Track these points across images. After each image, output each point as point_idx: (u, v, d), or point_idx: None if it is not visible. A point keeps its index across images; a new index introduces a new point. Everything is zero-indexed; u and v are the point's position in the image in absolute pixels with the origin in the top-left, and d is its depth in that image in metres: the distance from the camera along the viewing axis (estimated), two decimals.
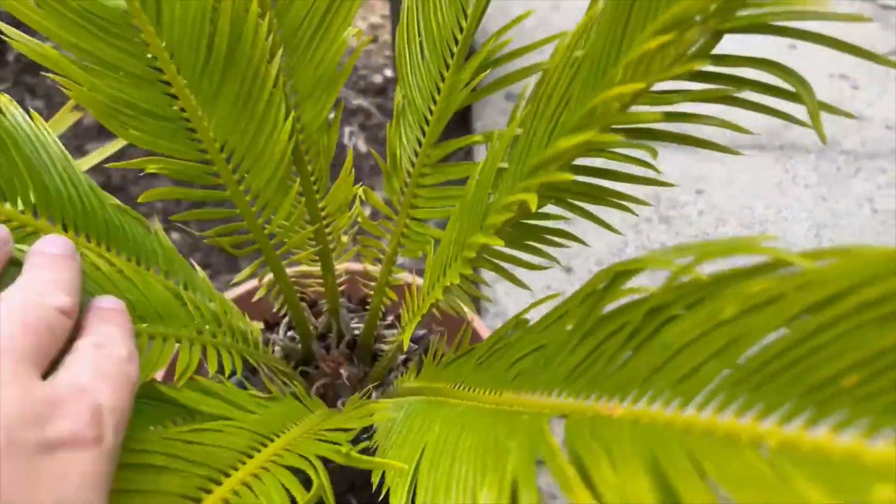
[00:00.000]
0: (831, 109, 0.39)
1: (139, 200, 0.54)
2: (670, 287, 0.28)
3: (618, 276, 0.33)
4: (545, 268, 0.56)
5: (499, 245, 0.42)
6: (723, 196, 1.67)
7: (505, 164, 0.54)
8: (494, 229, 0.45)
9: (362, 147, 1.69)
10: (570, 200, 0.53)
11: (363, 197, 0.66)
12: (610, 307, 0.33)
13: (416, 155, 0.61)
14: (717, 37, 0.36)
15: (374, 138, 1.70)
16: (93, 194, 0.52)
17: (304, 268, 0.72)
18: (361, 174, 1.60)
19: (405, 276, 0.71)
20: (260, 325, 0.78)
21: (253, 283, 0.76)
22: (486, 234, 0.44)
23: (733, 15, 0.33)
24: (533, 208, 0.38)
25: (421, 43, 0.58)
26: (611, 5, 0.41)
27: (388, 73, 1.85)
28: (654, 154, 0.45)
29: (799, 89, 0.40)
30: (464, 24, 0.54)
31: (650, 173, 0.49)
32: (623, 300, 0.32)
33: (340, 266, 0.70)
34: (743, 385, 0.24)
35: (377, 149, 1.70)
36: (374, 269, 0.70)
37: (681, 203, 1.62)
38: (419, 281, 0.76)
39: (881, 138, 1.86)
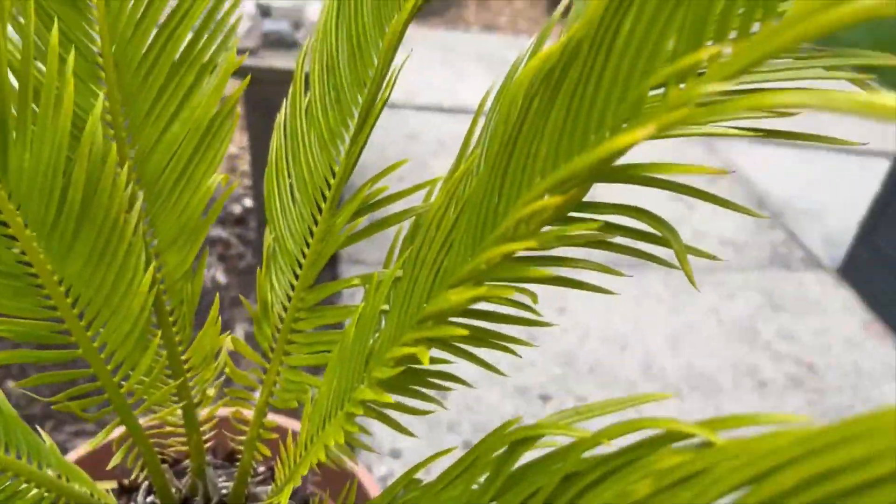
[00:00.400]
0: (696, 252, 0.41)
1: None
2: (581, 457, 0.27)
3: (516, 444, 0.32)
4: (430, 412, 0.54)
5: (387, 401, 0.40)
6: (584, 313, 1.73)
7: (387, 307, 0.52)
8: (379, 382, 0.43)
9: (222, 278, 1.63)
10: (453, 344, 0.52)
11: (231, 346, 0.62)
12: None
13: (290, 299, 0.58)
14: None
15: (234, 269, 1.65)
16: None
17: (162, 422, 0.66)
18: (223, 306, 1.54)
19: (280, 421, 0.66)
20: (113, 486, 0.70)
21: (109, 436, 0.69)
22: (373, 390, 0.41)
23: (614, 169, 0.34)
24: (425, 363, 0.36)
25: (291, 185, 0.57)
26: (486, 168, 0.42)
27: (248, 202, 1.82)
28: (535, 299, 0.45)
29: (666, 234, 0.41)
30: (336, 169, 0.54)
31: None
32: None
33: (205, 411, 0.65)
34: None
35: (236, 280, 1.64)
36: (245, 414, 0.65)
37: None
38: (295, 425, 0.72)
39: (717, 253, 2.01)
